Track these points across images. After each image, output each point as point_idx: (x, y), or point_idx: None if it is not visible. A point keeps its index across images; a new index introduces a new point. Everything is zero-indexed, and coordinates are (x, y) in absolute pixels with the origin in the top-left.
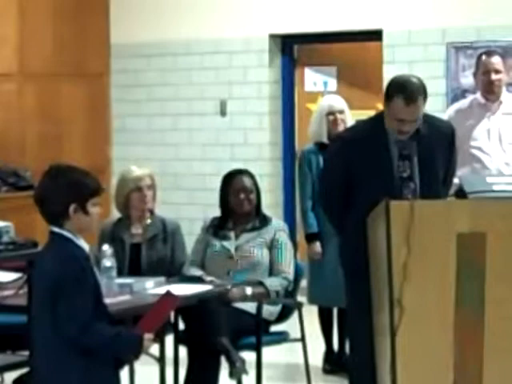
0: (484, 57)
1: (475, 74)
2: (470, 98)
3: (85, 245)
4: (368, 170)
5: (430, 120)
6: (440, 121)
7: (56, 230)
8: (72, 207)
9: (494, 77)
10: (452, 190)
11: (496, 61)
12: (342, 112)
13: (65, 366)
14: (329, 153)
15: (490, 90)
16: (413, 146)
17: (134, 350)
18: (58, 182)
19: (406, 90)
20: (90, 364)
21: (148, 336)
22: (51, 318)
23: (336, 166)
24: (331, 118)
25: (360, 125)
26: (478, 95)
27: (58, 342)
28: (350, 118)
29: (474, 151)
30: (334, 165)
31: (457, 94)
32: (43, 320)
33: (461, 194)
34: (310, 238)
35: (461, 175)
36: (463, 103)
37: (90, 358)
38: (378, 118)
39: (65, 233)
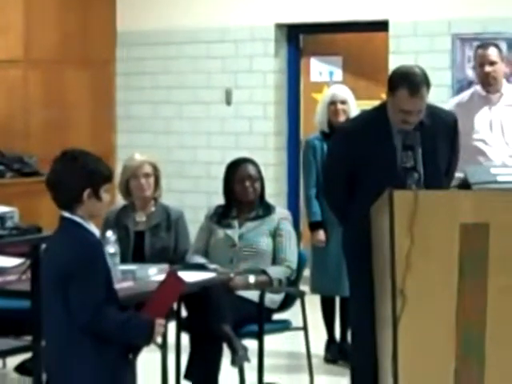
0: (479, 49)
1: (474, 67)
2: (470, 90)
3: (95, 230)
4: (371, 160)
5: (433, 110)
6: (443, 111)
7: (67, 215)
8: (86, 192)
9: (488, 69)
10: (455, 183)
11: (491, 52)
12: (344, 102)
13: (77, 351)
14: (332, 143)
15: (485, 82)
16: (416, 136)
17: (145, 336)
18: (74, 167)
19: (410, 81)
20: (102, 350)
21: (159, 321)
22: (63, 303)
23: (339, 156)
24: (332, 107)
25: (363, 115)
26: (479, 87)
27: (70, 328)
28: (355, 108)
29: (477, 143)
30: (337, 155)
31: (462, 86)
32: (55, 305)
33: (465, 185)
34: (314, 226)
35: (465, 167)
36: (463, 96)
37: (102, 344)
38: (381, 109)
39: (76, 218)
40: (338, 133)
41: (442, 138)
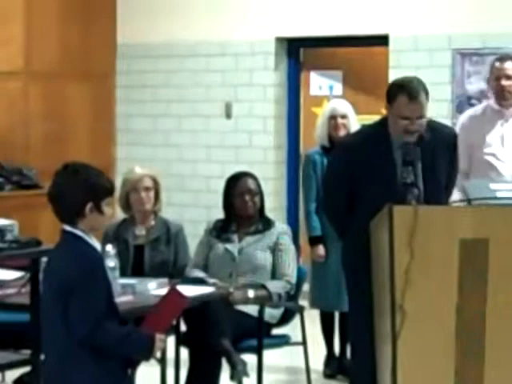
0: (496, 63)
1: (488, 80)
2: (483, 104)
3: (97, 244)
4: (371, 175)
5: (432, 125)
6: (443, 126)
7: (68, 228)
8: (88, 206)
9: (504, 83)
10: (463, 197)
11: (508, 66)
12: (344, 117)
13: (77, 365)
14: (332, 158)
15: (501, 96)
16: (416, 151)
17: (145, 350)
18: (76, 181)
19: (408, 87)
20: (102, 364)
21: (160, 336)
22: (63, 316)
23: (339, 171)
24: (332, 122)
25: (363, 130)
26: (492, 101)
27: (70, 341)
28: (355, 123)
29: (488, 158)
30: (337, 170)
31: (462, 101)
32: (55, 319)
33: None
34: (314, 241)
35: (464, 182)
36: (476, 110)
37: (102, 358)
38: (381, 124)
39: (77, 232)
40: (338, 147)
41: (441, 152)
